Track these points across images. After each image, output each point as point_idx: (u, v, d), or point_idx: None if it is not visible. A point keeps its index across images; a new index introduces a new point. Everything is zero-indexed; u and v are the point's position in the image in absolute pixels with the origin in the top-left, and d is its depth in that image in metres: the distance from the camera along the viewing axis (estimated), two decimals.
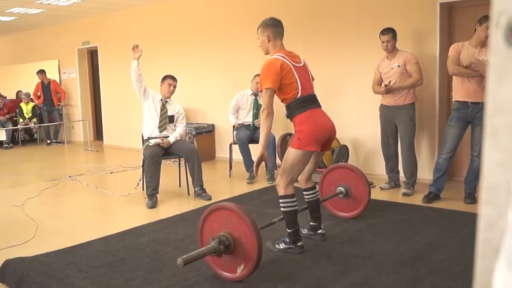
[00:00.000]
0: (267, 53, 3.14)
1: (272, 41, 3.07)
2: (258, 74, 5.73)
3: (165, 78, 4.98)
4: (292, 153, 2.96)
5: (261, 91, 2.98)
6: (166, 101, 4.98)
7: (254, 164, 2.97)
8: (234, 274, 2.64)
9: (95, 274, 2.81)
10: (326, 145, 3.09)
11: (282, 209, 3.03)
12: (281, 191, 3.02)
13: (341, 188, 3.82)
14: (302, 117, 2.94)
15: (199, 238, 2.79)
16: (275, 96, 2.98)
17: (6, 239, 3.65)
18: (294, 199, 3.04)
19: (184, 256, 2.49)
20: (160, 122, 4.92)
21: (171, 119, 4.99)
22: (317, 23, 5.91)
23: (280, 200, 3.03)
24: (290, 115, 3.01)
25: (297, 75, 2.97)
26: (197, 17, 7.33)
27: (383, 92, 4.74)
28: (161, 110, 4.93)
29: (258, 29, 3.12)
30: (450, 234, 3.37)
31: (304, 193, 3.30)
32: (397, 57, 4.69)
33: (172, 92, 4.97)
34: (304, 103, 2.96)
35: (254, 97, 5.77)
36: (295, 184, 3.10)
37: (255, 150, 5.80)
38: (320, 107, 3.10)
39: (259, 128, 5.61)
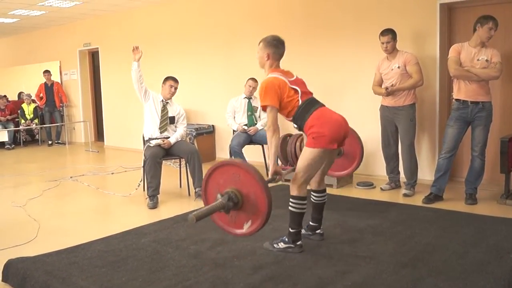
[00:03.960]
0: (262, 67, 3.20)
1: (270, 60, 3.12)
2: (250, 78, 5.84)
3: (166, 79, 5.00)
4: (308, 152, 2.95)
5: (264, 110, 3.04)
6: (167, 102, 5.00)
7: (268, 179, 2.89)
8: (240, 229, 2.68)
9: (97, 273, 2.82)
10: (341, 141, 3.06)
11: (291, 208, 3.02)
12: (294, 191, 3.01)
13: None
14: (312, 119, 2.95)
15: (202, 194, 2.81)
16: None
17: (8, 239, 3.66)
18: (305, 201, 3.04)
19: (195, 212, 2.51)
20: (161, 123, 4.94)
21: (172, 120, 5.01)
22: (316, 23, 5.92)
23: (291, 200, 3.01)
24: (300, 125, 3.00)
25: (294, 86, 3.03)
26: (197, 19, 7.35)
27: (384, 94, 4.75)
28: (162, 111, 4.95)
29: (259, 43, 3.16)
30: (451, 234, 3.38)
31: (314, 194, 3.29)
32: (397, 58, 4.70)
33: (173, 94, 4.99)
34: (308, 106, 2.99)
35: (247, 100, 5.91)
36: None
37: (253, 151, 5.91)
38: (324, 105, 3.11)
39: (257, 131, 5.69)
